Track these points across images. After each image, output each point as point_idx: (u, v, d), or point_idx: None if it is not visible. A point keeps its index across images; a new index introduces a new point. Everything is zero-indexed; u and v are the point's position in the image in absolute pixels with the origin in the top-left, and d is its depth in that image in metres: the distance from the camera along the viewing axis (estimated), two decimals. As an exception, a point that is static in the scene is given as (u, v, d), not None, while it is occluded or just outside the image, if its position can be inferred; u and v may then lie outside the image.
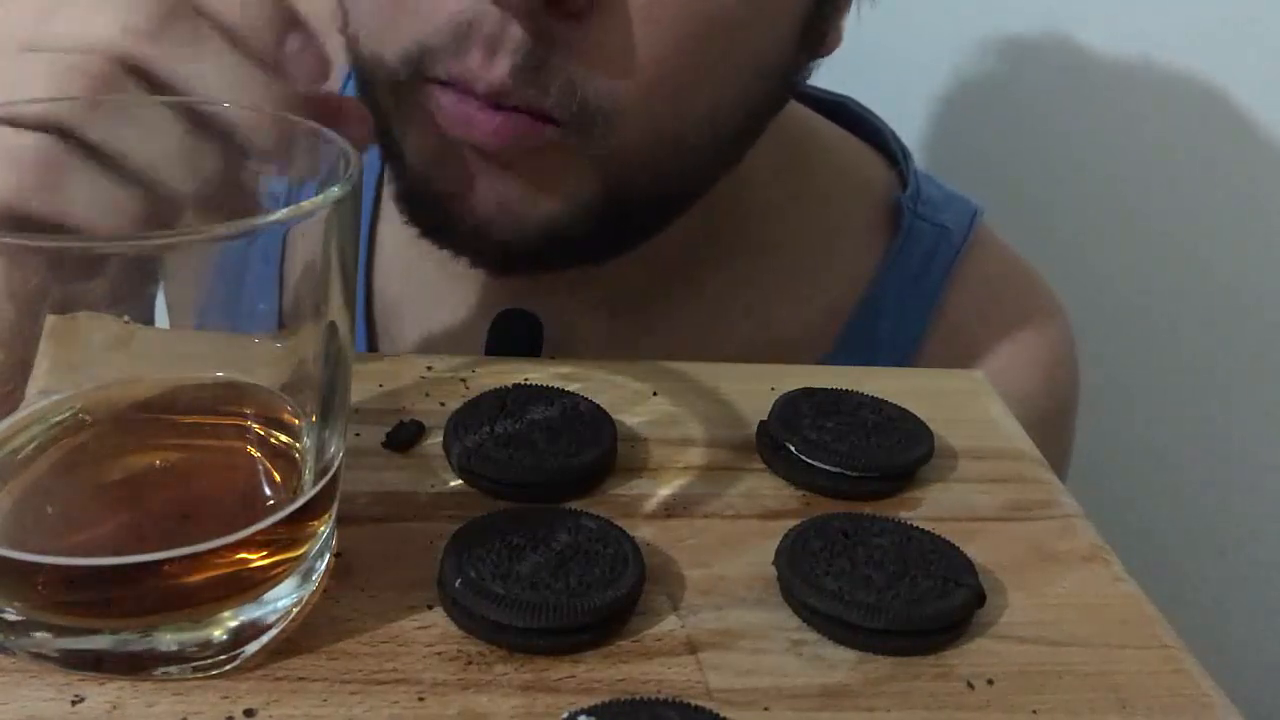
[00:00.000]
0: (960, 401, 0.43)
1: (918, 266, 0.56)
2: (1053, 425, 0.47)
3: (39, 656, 0.27)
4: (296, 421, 0.30)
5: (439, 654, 0.29)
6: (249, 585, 0.28)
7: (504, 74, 0.38)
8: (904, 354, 0.55)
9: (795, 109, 0.54)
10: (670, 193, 0.46)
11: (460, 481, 0.35)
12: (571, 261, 0.47)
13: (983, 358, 0.56)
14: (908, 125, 0.61)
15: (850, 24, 0.48)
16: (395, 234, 0.54)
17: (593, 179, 0.42)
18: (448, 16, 0.38)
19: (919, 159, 0.61)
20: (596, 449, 0.36)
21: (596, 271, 0.49)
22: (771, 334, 0.54)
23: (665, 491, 0.36)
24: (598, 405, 0.38)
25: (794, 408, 0.38)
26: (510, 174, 0.41)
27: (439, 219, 0.44)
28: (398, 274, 0.56)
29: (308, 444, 0.30)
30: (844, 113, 0.60)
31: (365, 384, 0.39)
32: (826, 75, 0.55)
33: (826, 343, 0.55)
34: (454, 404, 0.38)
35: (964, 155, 0.63)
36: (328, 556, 0.31)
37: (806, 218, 0.56)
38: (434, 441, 0.37)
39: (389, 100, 0.42)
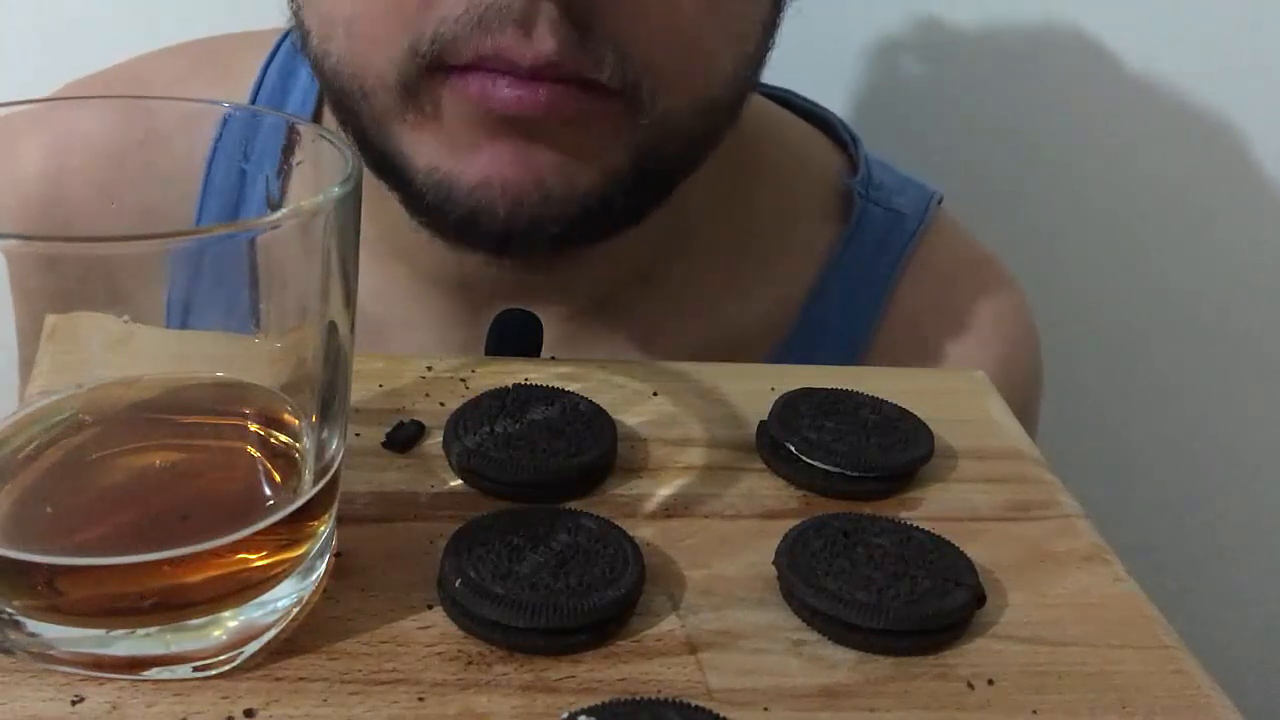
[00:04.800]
0: (960, 401, 0.43)
1: (870, 253, 0.54)
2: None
3: (39, 656, 0.27)
4: (296, 421, 0.30)
5: (439, 654, 0.29)
6: (249, 585, 0.28)
7: (550, 50, 0.36)
8: (855, 344, 0.53)
9: None
10: (692, 159, 0.44)
11: (460, 481, 0.35)
12: (589, 240, 0.44)
13: (936, 349, 0.54)
14: (876, 127, 0.61)
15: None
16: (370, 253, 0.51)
17: (625, 149, 0.40)
18: (465, 5, 0.36)
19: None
20: (596, 449, 0.36)
21: (562, 273, 0.48)
22: (726, 328, 0.53)
23: (665, 491, 0.36)
24: (598, 405, 0.38)
25: (794, 408, 0.38)
26: (546, 148, 0.39)
27: (464, 215, 0.41)
28: (377, 295, 0.52)
29: (308, 444, 0.30)
30: (788, 103, 0.58)
31: (365, 384, 0.39)
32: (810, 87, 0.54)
33: (779, 334, 0.53)
34: (454, 404, 0.38)
35: (933, 159, 0.62)
36: (328, 556, 0.31)
37: (757, 205, 0.54)
38: (434, 441, 0.37)
39: (388, 103, 0.40)
